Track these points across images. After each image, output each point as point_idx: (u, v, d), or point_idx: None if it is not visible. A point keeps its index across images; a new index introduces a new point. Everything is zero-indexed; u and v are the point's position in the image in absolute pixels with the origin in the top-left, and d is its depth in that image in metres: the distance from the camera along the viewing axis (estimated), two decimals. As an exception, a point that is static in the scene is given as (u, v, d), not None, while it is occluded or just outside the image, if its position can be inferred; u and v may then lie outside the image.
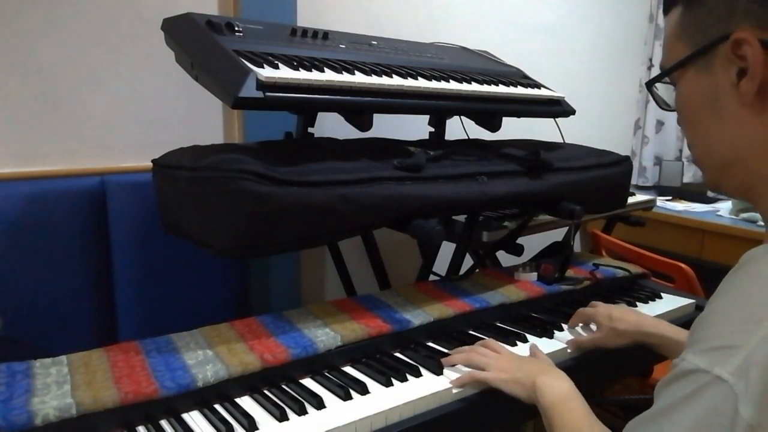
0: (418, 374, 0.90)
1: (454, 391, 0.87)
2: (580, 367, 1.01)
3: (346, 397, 0.83)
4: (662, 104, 0.68)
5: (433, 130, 1.49)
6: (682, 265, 1.62)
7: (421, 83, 1.12)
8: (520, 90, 1.32)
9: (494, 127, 1.35)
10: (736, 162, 0.59)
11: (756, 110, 0.55)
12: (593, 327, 1.07)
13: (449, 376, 0.89)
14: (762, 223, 0.61)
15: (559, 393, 0.78)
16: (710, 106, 0.59)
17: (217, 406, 0.81)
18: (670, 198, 2.56)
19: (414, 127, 1.52)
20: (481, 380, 0.86)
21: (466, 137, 1.55)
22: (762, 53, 0.53)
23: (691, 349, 0.51)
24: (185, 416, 0.79)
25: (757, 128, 0.56)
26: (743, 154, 0.58)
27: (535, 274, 1.27)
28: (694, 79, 0.60)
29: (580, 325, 1.10)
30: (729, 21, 0.55)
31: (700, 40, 0.58)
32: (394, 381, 0.87)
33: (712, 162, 0.62)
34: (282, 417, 0.77)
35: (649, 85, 0.67)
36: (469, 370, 0.90)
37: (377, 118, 1.09)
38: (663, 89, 0.67)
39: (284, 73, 0.94)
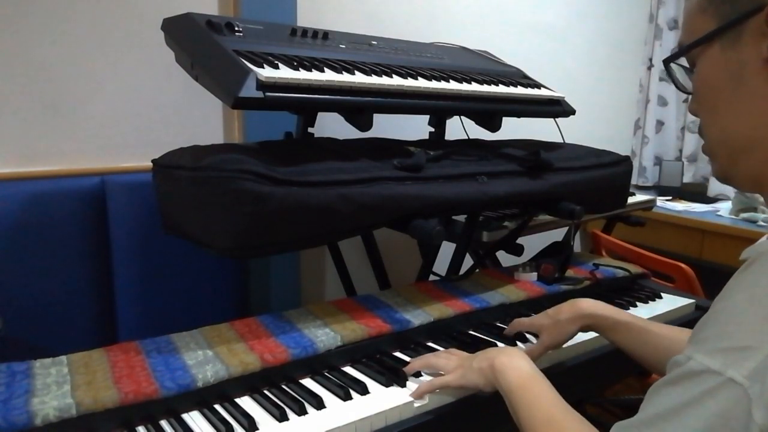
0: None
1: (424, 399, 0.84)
2: (580, 367, 1.01)
3: (346, 397, 0.83)
4: (679, 86, 0.64)
5: (433, 130, 1.49)
6: (682, 265, 1.62)
7: (421, 83, 1.12)
8: (520, 90, 1.32)
9: (494, 127, 1.35)
10: (755, 146, 0.55)
11: None
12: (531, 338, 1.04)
13: (412, 387, 0.86)
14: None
15: (521, 374, 0.74)
16: (734, 84, 0.55)
17: (217, 406, 0.81)
18: (670, 198, 2.56)
19: (414, 127, 1.52)
20: (440, 385, 0.83)
21: (466, 137, 1.55)
22: None
23: (698, 348, 0.49)
24: (185, 416, 0.79)
25: None
26: (763, 138, 0.54)
27: (535, 274, 1.27)
28: (718, 55, 0.56)
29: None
30: None
31: (729, 13, 0.54)
32: (393, 381, 0.87)
33: (728, 147, 0.58)
34: (282, 417, 0.77)
35: (667, 62, 0.63)
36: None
37: (377, 118, 1.09)
38: (678, 71, 0.64)
39: (284, 73, 0.94)
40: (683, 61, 0.62)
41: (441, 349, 1.00)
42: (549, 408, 0.69)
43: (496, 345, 1.01)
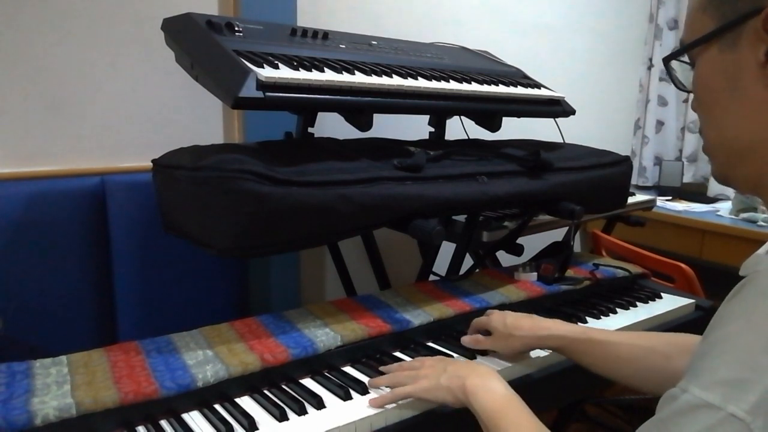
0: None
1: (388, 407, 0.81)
2: (579, 367, 1.00)
3: (346, 397, 0.83)
4: (679, 84, 0.64)
5: (433, 130, 1.49)
6: (682, 265, 1.62)
7: (421, 83, 1.12)
8: (520, 90, 1.32)
9: (494, 127, 1.35)
10: (752, 150, 0.54)
11: None
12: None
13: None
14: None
15: (496, 397, 0.71)
16: (731, 87, 0.54)
17: (217, 406, 0.81)
18: (670, 198, 2.56)
19: (414, 127, 1.52)
20: (403, 395, 0.80)
21: (466, 137, 1.55)
22: None
23: (694, 381, 0.46)
24: (185, 416, 0.79)
25: None
26: (761, 143, 0.53)
27: (535, 274, 1.27)
28: (716, 56, 0.55)
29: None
30: None
31: (728, 14, 0.53)
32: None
33: (725, 150, 0.58)
34: (282, 417, 0.77)
35: (667, 60, 0.62)
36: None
37: (377, 118, 1.09)
38: (679, 70, 0.63)
39: (284, 73, 0.95)
40: (685, 58, 0.61)
41: (441, 348, 1.01)
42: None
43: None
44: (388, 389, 0.84)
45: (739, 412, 0.43)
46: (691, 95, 0.62)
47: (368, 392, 0.85)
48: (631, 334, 0.89)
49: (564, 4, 2.26)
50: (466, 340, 0.98)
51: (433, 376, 0.78)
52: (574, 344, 0.88)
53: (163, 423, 0.77)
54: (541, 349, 0.94)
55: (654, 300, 1.29)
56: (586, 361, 0.89)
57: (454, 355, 0.98)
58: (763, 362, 0.43)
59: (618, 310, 1.21)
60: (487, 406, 0.70)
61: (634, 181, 2.61)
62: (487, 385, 0.73)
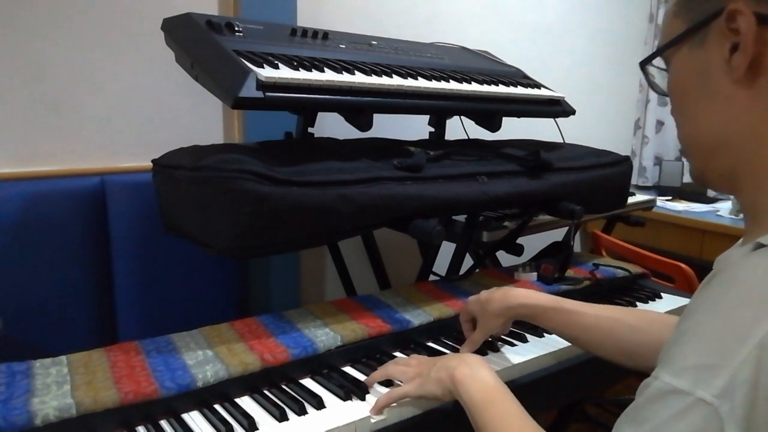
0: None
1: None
2: (580, 367, 1.01)
3: (346, 397, 0.83)
4: (656, 88, 0.67)
5: (433, 130, 1.49)
6: (682, 265, 1.62)
7: (421, 83, 1.12)
8: (520, 90, 1.32)
9: (494, 127, 1.35)
10: (722, 146, 0.57)
11: (746, 89, 0.53)
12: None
13: (370, 401, 0.83)
14: None
15: (484, 387, 0.71)
16: (700, 85, 0.57)
17: (217, 406, 0.81)
18: (670, 198, 2.56)
19: (414, 127, 1.52)
20: (399, 396, 0.79)
21: (466, 137, 1.55)
22: (755, 26, 0.51)
23: (666, 368, 0.48)
24: (185, 416, 0.79)
25: (746, 109, 0.54)
26: (730, 137, 0.56)
27: (535, 274, 1.27)
28: (687, 56, 0.58)
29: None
30: None
31: (697, 16, 0.57)
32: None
33: (698, 147, 0.60)
34: (282, 417, 0.77)
35: (643, 64, 0.65)
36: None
37: (377, 118, 1.09)
38: (658, 76, 0.66)
39: (284, 73, 0.95)
40: (662, 64, 0.64)
41: (441, 349, 1.01)
42: (520, 426, 0.66)
43: (496, 345, 1.01)
44: (383, 388, 0.84)
45: (708, 397, 0.43)
46: None
47: (368, 392, 0.84)
48: (602, 306, 0.90)
49: (564, 4, 2.26)
50: (466, 350, 0.96)
51: (425, 371, 0.79)
52: (545, 312, 0.90)
53: (163, 423, 0.77)
54: (515, 318, 0.94)
55: (654, 300, 1.29)
56: (556, 329, 0.91)
57: (454, 355, 0.97)
58: (730, 348, 0.44)
59: (618, 310, 1.21)
60: (474, 396, 0.71)
61: (634, 181, 2.62)
62: (475, 375, 0.73)
